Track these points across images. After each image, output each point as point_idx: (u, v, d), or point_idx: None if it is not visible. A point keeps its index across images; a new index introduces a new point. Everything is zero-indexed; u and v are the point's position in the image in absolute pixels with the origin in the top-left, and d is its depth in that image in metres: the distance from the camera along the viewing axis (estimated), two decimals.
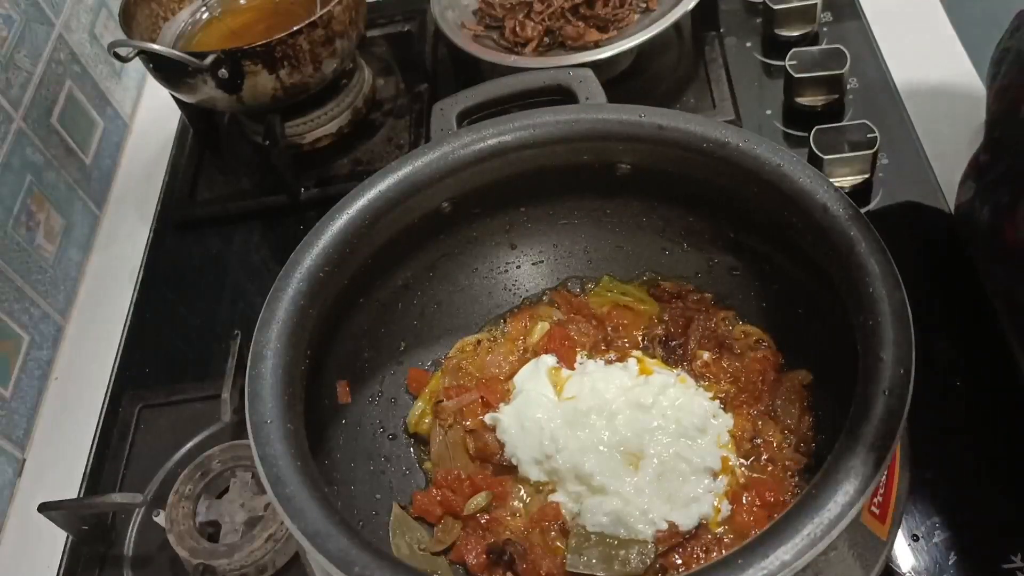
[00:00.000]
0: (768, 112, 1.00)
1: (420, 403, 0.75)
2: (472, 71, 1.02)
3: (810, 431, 0.68)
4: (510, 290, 0.81)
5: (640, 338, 0.76)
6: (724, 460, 0.67)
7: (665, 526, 0.64)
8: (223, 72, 0.91)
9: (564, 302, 0.79)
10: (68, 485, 0.85)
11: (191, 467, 0.77)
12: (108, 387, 0.91)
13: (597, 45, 0.97)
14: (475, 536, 0.67)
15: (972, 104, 0.90)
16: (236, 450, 0.77)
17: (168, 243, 1.04)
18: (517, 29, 1.01)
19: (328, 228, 0.66)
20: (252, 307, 0.80)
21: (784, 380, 0.71)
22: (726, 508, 0.65)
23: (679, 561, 0.64)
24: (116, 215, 1.10)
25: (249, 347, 0.60)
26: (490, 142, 0.71)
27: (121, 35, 0.97)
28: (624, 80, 1.03)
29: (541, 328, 0.78)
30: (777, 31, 1.05)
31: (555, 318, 0.78)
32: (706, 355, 0.74)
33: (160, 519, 0.75)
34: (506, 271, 0.81)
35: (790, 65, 0.96)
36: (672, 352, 0.74)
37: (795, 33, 1.05)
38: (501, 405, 0.73)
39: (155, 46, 0.92)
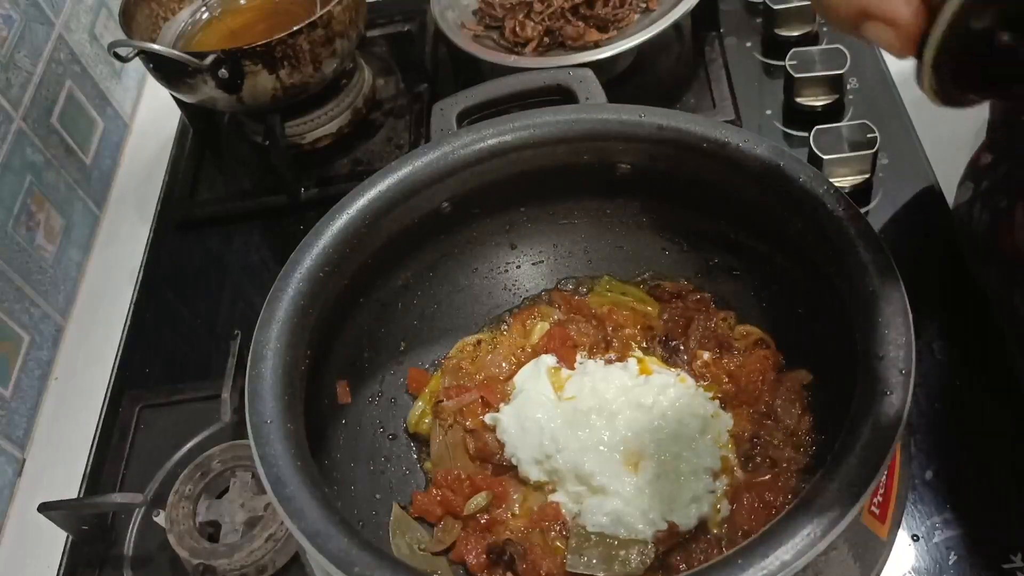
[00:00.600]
0: (768, 112, 1.00)
1: (420, 403, 0.75)
2: (472, 71, 1.02)
3: (810, 431, 0.68)
4: (510, 290, 0.81)
5: (640, 338, 0.76)
6: (724, 460, 0.67)
7: (665, 526, 0.64)
8: (223, 72, 0.91)
9: (564, 302, 0.79)
10: (68, 485, 0.84)
11: (191, 467, 0.77)
12: (108, 387, 0.91)
13: (597, 45, 0.97)
14: (475, 536, 0.67)
15: None
16: (236, 450, 0.77)
17: (168, 243, 1.04)
18: (517, 29, 1.01)
19: (328, 228, 0.66)
20: (252, 307, 0.80)
21: (784, 380, 0.71)
22: (726, 508, 0.65)
23: (679, 561, 0.64)
24: (116, 215, 1.10)
25: (249, 347, 0.60)
26: (490, 142, 0.71)
27: (121, 35, 0.97)
28: (624, 80, 1.03)
29: (541, 328, 0.78)
30: (777, 31, 1.05)
31: (555, 318, 0.78)
32: (706, 355, 0.73)
33: (160, 519, 0.74)
34: (506, 271, 0.81)
35: (790, 65, 0.96)
36: (672, 352, 0.74)
37: (795, 33, 1.05)
38: (501, 405, 0.73)
39: (155, 46, 0.92)
